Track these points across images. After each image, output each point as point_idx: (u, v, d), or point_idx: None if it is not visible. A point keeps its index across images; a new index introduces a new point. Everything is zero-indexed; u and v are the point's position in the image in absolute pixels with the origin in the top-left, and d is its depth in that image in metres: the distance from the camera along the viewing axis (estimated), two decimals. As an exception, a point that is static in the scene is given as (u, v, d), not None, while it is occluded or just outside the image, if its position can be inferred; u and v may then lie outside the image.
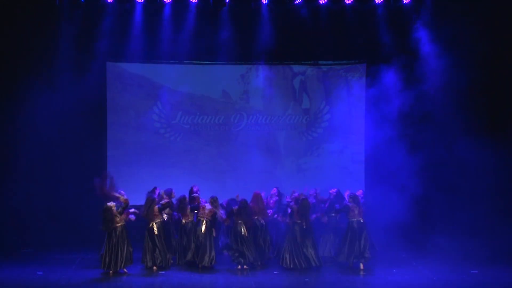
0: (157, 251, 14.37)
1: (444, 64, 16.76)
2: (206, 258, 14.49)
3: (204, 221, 14.66)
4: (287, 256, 14.54)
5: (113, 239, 13.99)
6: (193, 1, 16.95)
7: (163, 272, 14.28)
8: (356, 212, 14.68)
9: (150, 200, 14.50)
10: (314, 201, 15.53)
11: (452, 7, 16.83)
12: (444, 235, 16.47)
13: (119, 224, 14.06)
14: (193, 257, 14.63)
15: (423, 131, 17.00)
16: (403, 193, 16.69)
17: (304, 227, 14.53)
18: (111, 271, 13.94)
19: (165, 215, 14.93)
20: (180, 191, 15.18)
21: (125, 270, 14.10)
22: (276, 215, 15.35)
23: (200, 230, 14.60)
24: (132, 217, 14.51)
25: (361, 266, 14.55)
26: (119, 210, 14.05)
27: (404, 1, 17.13)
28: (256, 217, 14.83)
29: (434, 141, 16.98)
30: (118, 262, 13.98)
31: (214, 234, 14.84)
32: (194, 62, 17.58)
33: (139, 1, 16.84)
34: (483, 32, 16.72)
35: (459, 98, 16.64)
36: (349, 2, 16.98)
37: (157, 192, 15.03)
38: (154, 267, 14.40)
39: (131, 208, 14.45)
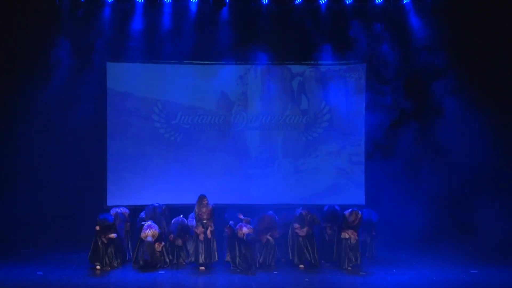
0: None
1: (445, 63, 16.80)
2: (206, 258, 14.54)
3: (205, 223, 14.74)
4: (294, 253, 14.73)
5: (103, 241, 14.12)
6: (193, 1, 16.96)
7: (162, 271, 14.29)
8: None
9: None
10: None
11: (452, 7, 16.87)
12: (445, 235, 16.53)
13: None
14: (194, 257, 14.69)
15: (424, 132, 17.00)
16: (403, 194, 16.74)
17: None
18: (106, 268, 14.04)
19: None
20: (181, 191, 15.26)
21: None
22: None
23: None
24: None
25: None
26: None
27: (404, 1, 17.16)
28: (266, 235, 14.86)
29: (435, 142, 16.98)
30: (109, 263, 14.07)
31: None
32: (194, 62, 17.55)
33: (139, 1, 16.84)
34: (482, 33, 16.79)
35: (462, 97, 16.64)
36: (349, 2, 17.00)
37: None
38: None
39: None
